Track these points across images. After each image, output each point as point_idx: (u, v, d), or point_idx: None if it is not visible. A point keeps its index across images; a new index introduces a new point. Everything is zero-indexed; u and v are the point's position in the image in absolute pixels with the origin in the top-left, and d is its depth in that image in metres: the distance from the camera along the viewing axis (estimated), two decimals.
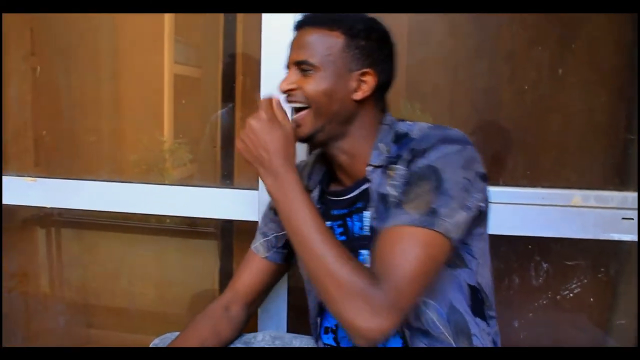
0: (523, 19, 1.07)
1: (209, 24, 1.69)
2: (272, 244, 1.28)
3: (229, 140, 1.64)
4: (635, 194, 1.37)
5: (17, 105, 1.89)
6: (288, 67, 1.11)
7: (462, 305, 1.06)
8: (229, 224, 1.70)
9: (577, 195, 1.38)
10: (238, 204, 1.52)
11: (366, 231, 1.08)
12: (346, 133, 1.10)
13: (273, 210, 1.29)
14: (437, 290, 1.04)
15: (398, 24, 1.51)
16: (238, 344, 1.26)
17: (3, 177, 1.72)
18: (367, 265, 1.02)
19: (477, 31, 1.48)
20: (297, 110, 1.10)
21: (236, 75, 1.59)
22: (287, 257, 1.28)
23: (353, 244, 1.10)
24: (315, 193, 1.19)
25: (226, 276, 1.76)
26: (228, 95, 1.60)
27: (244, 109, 1.60)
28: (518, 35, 1.44)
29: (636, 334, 1.45)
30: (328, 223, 1.15)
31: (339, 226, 1.14)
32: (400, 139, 1.08)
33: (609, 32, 1.44)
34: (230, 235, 1.71)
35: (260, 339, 1.28)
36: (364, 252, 1.09)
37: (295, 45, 1.10)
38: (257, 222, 1.50)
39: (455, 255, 1.04)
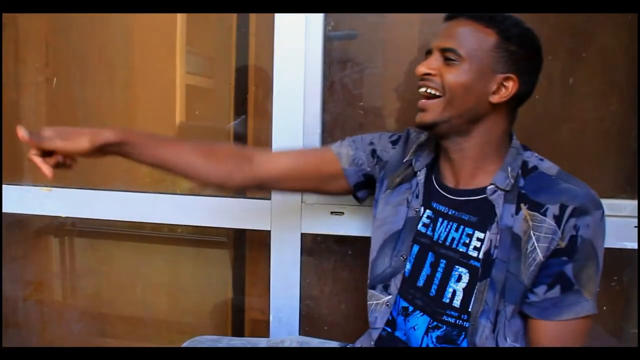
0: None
1: (222, 36, 1.72)
2: (357, 164, 1.25)
3: None
4: None
5: (33, 116, 1.92)
6: (429, 52, 1.09)
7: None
8: (241, 234, 1.72)
9: None
10: (250, 214, 1.54)
11: (471, 251, 1.07)
12: (470, 132, 1.09)
13: (372, 149, 1.27)
14: (519, 335, 1.07)
15: (407, 31, 1.53)
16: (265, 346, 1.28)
17: (19, 186, 1.77)
18: (463, 284, 1.07)
19: None
20: (427, 97, 1.08)
21: (248, 87, 1.60)
22: (360, 185, 1.26)
23: (440, 249, 1.11)
24: (422, 175, 1.18)
25: (238, 285, 1.78)
26: (240, 106, 1.61)
27: (257, 120, 1.61)
28: None
29: None
30: (424, 211, 1.15)
31: (428, 218, 1.13)
32: (529, 171, 1.08)
33: (620, 40, 1.45)
34: (242, 245, 1.73)
35: (287, 345, 1.29)
36: (462, 270, 1.08)
37: (445, 33, 1.07)
38: (269, 231, 1.51)
39: None
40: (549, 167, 1.08)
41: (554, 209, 1.00)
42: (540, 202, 1.02)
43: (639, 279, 0.98)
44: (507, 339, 1.04)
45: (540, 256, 1.00)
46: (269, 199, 1.51)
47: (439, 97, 1.06)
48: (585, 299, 1.00)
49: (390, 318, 1.16)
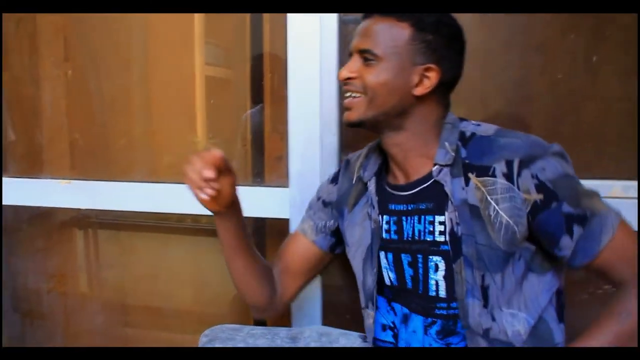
0: None
1: (237, 25, 1.71)
2: (320, 230, 1.28)
3: (259, 139, 1.65)
4: None
5: (51, 110, 1.95)
6: (350, 54, 1.10)
7: (551, 314, 1.07)
8: (261, 222, 1.71)
9: (616, 186, 1.36)
10: (269, 202, 1.55)
11: (437, 237, 1.07)
12: (401, 126, 1.09)
13: (320, 201, 1.30)
14: (528, 300, 1.04)
15: None
16: (285, 338, 1.29)
17: (39, 180, 1.80)
18: (441, 272, 1.06)
19: (507, 21, 1.45)
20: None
21: (264, 75, 1.59)
22: (333, 246, 1.29)
23: (411, 247, 1.10)
24: (372, 185, 1.18)
25: None
26: (257, 94, 1.61)
27: (273, 108, 1.60)
28: (550, 24, 1.41)
29: None
30: (384, 217, 1.15)
31: (394, 223, 1.13)
32: (468, 139, 1.07)
33: None
34: (262, 233, 1.73)
35: (307, 335, 1.29)
36: (436, 258, 1.08)
37: (361, 32, 1.08)
38: (288, 219, 1.51)
39: (544, 256, 1.05)
40: (486, 129, 1.07)
41: (500, 167, 1.01)
42: (485, 165, 1.02)
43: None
44: (503, 309, 1.03)
45: (505, 218, 1.00)
46: (287, 187, 1.50)
47: (362, 96, 1.06)
48: (604, 214, 1.00)
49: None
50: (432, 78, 1.04)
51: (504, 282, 1.02)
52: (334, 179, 1.30)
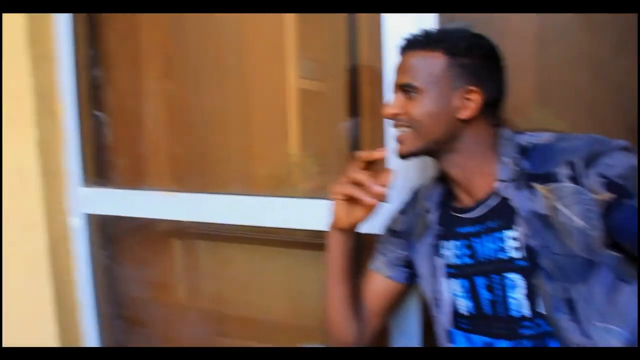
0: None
1: (331, 37, 1.72)
2: (394, 263, 1.28)
3: (356, 152, 1.64)
4: None
5: (153, 123, 2.02)
6: (395, 91, 1.12)
7: None
8: (357, 237, 1.69)
9: None
10: None
11: (512, 253, 1.05)
12: (455, 149, 1.10)
13: (390, 232, 1.31)
14: (623, 313, 0.99)
15: (526, 21, 1.46)
16: None
17: (141, 191, 1.89)
18: (522, 289, 1.03)
19: (618, 23, 1.37)
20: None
21: (360, 87, 1.59)
22: (410, 277, 1.28)
23: (486, 268, 1.08)
24: (435, 215, 1.19)
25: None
26: (353, 107, 1.60)
27: (370, 121, 1.59)
28: None
29: None
30: (452, 242, 1.14)
31: (466, 247, 1.12)
32: (528, 150, 1.06)
33: None
34: (359, 249, 1.71)
35: None
36: (514, 275, 1.05)
37: (400, 68, 1.11)
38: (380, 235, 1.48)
39: (633, 263, 1.00)
40: (545, 137, 1.06)
41: (564, 171, 0.98)
42: (548, 171, 1.01)
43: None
44: (596, 324, 0.97)
45: (578, 221, 0.97)
46: (384, 201, 1.48)
47: (411, 129, 1.08)
48: None
49: None
50: (475, 100, 1.06)
51: (592, 293, 0.98)
52: (403, 209, 1.31)
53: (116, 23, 2.03)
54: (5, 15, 1.83)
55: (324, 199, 1.58)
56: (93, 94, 2.02)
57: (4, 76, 1.88)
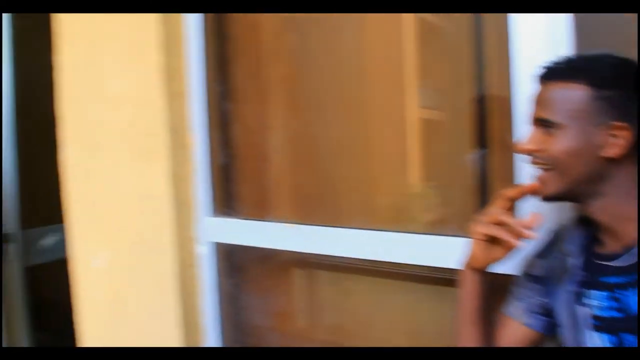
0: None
1: (455, 65, 1.70)
2: (531, 310, 1.20)
3: (482, 186, 1.57)
4: None
5: (277, 156, 2.07)
6: (531, 124, 1.06)
7: None
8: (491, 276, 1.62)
9: None
10: None
11: None
12: (602, 192, 1.00)
13: (528, 276, 1.22)
14: None
15: None
16: None
17: (266, 222, 1.92)
18: None
19: None
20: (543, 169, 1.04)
21: (488, 117, 1.53)
22: (548, 326, 1.18)
23: (631, 326, 0.98)
24: (578, 260, 1.09)
25: None
26: (480, 138, 1.54)
27: (499, 153, 1.52)
28: None
29: None
30: (596, 292, 1.04)
31: (610, 298, 1.01)
32: None
33: None
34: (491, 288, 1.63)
35: None
36: None
37: (537, 100, 1.04)
38: (514, 276, 1.40)
39: None
40: None
41: None
42: None
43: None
44: None
45: None
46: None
47: (551, 169, 1.00)
48: None
49: None
50: (623, 136, 0.95)
51: None
52: (542, 253, 1.21)
53: (243, 59, 2.12)
54: (141, 55, 1.99)
55: (445, 235, 1.54)
56: (222, 128, 2.12)
57: (139, 112, 2.02)
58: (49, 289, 3.42)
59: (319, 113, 1.99)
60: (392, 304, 1.90)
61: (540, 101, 1.03)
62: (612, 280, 1.00)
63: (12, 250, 3.27)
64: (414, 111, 1.80)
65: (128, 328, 2.14)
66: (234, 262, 2.15)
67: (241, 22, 2.09)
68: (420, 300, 1.84)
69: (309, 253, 1.93)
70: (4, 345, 3.16)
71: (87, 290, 2.22)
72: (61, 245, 3.05)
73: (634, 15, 1.15)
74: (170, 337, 2.03)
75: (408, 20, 1.76)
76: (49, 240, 3.46)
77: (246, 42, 2.14)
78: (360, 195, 1.94)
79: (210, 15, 2.05)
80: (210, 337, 2.10)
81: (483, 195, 1.58)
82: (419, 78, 1.79)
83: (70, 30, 2.17)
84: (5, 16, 3.24)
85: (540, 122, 1.02)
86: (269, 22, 2.06)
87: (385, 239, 1.66)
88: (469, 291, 1.16)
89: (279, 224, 1.89)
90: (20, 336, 3.32)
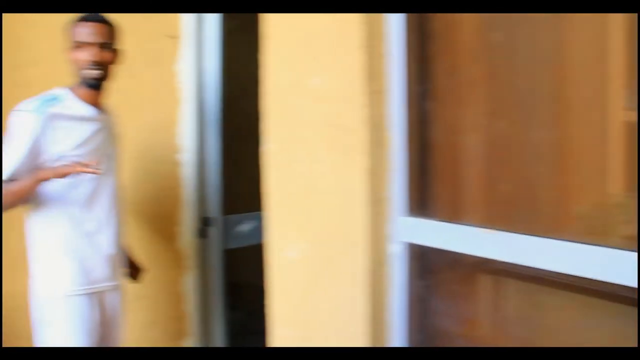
0: None
1: None
2: None
3: None
4: None
5: (475, 158, 2.03)
6: None
7: None
8: None
9: None
10: None
11: None
12: None
13: None
14: None
15: None
16: None
17: (461, 225, 1.90)
18: None
19: None
20: None
21: None
22: None
23: None
24: None
25: None
26: None
27: None
28: None
29: None
30: None
31: None
32: None
33: None
34: None
35: None
36: None
37: None
38: None
39: None
40: None
41: None
42: None
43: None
44: None
45: None
46: None
47: None
48: None
49: None
50: None
51: None
52: None
53: (444, 58, 2.10)
54: (343, 53, 2.07)
55: None
56: (420, 127, 2.14)
57: (339, 108, 2.09)
58: (244, 272, 3.70)
59: (518, 114, 1.92)
60: (587, 322, 1.77)
61: None
62: None
63: (213, 234, 3.58)
64: (617, 113, 1.66)
65: (315, 317, 2.24)
66: (426, 264, 2.16)
67: (442, 20, 2.09)
68: (617, 321, 1.68)
69: (500, 261, 1.87)
70: None
71: (279, 276, 2.36)
72: (257, 232, 3.29)
73: None
74: (355, 332, 2.09)
75: (615, 15, 1.62)
76: (246, 227, 3.77)
77: (447, 41, 2.14)
78: (555, 202, 1.84)
79: (412, 14, 2.07)
80: (397, 337, 2.13)
81: None
82: (625, 77, 1.63)
83: (276, 31, 2.30)
84: (215, 16, 3.54)
85: None
86: (470, 20, 2.04)
87: (577, 251, 1.56)
88: None
89: (475, 228, 1.86)
90: (216, 313, 3.63)
